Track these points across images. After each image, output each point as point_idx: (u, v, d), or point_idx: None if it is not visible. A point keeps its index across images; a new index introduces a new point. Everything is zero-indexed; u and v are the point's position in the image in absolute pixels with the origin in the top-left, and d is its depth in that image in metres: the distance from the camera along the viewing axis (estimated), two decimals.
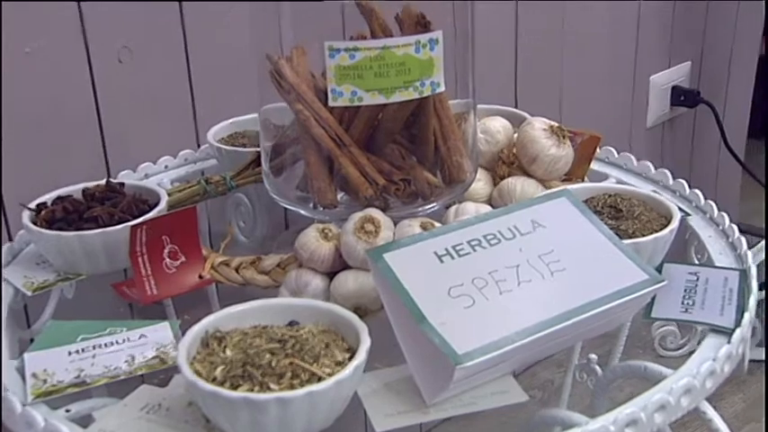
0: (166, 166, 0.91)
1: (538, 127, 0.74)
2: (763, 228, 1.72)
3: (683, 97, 1.60)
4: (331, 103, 0.63)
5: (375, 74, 0.62)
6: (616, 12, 1.46)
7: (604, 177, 0.85)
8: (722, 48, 1.71)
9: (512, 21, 1.30)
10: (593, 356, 0.81)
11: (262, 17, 0.70)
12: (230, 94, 0.99)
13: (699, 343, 0.62)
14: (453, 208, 0.66)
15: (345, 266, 0.65)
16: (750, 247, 0.71)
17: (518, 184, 0.73)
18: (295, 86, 0.67)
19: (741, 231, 0.74)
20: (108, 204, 0.73)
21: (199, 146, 0.97)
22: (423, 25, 0.63)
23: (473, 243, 0.59)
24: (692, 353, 0.61)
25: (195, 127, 0.99)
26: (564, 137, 0.74)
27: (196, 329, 0.58)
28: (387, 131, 0.67)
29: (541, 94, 1.38)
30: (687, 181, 0.81)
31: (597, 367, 0.80)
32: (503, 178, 0.75)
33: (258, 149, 0.79)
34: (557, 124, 0.75)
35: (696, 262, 0.74)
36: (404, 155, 0.68)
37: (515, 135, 0.78)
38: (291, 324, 0.59)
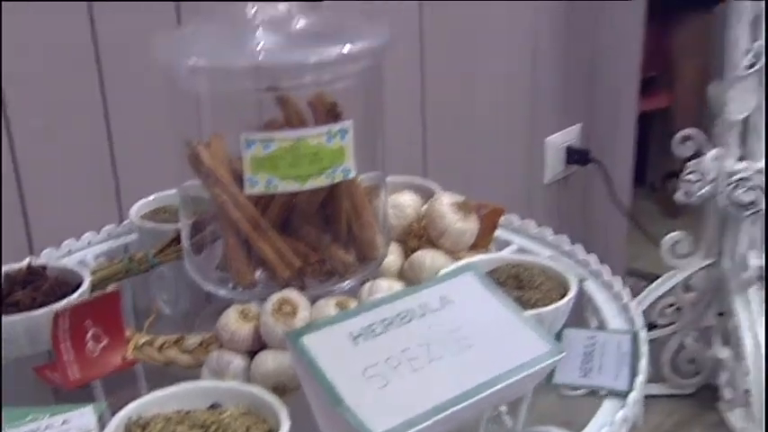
0: (89, 242, 0.88)
1: (445, 203, 0.74)
2: (650, 272, 1.78)
3: (576, 156, 1.64)
4: (247, 192, 0.62)
5: (289, 163, 0.61)
6: (513, 81, 1.49)
7: (508, 243, 0.85)
8: (607, 109, 1.76)
9: (419, 91, 1.31)
10: (503, 408, 0.81)
11: (180, 102, 0.68)
12: (152, 169, 0.96)
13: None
14: (367, 285, 0.66)
15: (266, 345, 0.63)
16: (637, 291, 0.72)
17: (427, 258, 0.73)
18: (213, 171, 0.66)
19: (629, 274, 0.75)
20: (30, 288, 0.69)
21: (122, 220, 0.94)
22: (334, 115, 0.63)
23: (386, 322, 0.58)
24: (592, 392, 0.62)
25: (118, 201, 0.96)
26: (469, 211, 0.74)
27: (119, 417, 0.55)
28: (302, 214, 0.66)
29: (449, 157, 1.39)
30: (581, 233, 0.82)
31: (506, 417, 0.80)
32: (414, 251, 0.74)
33: (179, 226, 0.76)
34: (462, 199, 0.75)
35: (593, 324, 0.75)
36: (319, 234, 0.67)
37: (424, 207, 0.78)
38: (213, 407, 0.57)
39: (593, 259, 0.80)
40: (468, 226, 0.74)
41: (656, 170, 2.74)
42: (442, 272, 0.68)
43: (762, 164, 1.33)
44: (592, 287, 0.77)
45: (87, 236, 0.88)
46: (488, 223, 0.77)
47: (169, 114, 0.70)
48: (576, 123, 1.66)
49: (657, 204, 2.62)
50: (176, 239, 0.80)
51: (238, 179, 0.66)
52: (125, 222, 0.91)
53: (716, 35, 1.53)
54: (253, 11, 0.64)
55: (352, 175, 0.64)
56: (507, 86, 1.48)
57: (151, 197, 0.89)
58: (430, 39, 1.31)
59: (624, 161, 1.84)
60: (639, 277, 1.92)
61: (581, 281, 0.76)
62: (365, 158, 0.70)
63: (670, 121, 2.68)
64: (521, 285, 0.69)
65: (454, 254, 0.74)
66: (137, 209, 0.88)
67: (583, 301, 0.76)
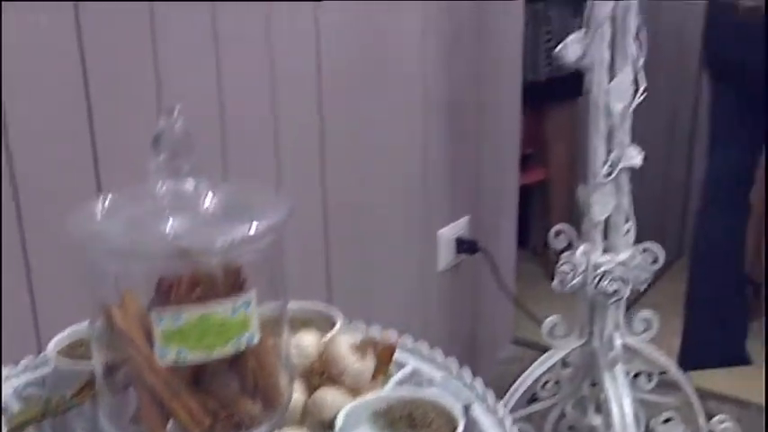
0: (7, 376, 0.83)
1: (343, 344, 0.74)
2: (534, 341, 1.83)
3: (465, 246, 1.68)
4: (159, 363, 0.61)
5: (197, 336, 0.60)
6: (407, 183, 1.53)
7: (403, 365, 0.85)
8: (492, 197, 1.82)
9: (321, 220, 1.33)
10: None
11: (94, 272, 0.66)
12: (70, 301, 0.93)
13: None
14: None
15: None
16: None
17: (328, 397, 0.72)
18: (126, 334, 0.64)
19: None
20: None
21: (40, 350, 0.90)
22: (238, 285, 0.62)
23: None
24: None
25: (36, 332, 0.92)
26: (366, 351, 0.75)
27: None
28: (211, 371, 0.65)
29: (352, 256, 1.40)
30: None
31: None
32: (316, 387, 0.74)
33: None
34: (359, 341, 0.76)
35: None
36: (227, 388, 0.66)
37: (325, 339, 0.78)
38: None
39: (479, 383, 0.81)
40: (365, 366, 0.74)
41: (537, 235, 2.84)
42: (341, 418, 0.68)
43: (623, 256, 1.40)
44: (478, 411, 0.78)
45: (5, 371, 0.83)
46: (384, 358, 0.78)
47: (83, 277, 0.68)
48: (464, 216, 1.70)
49: (540, 266, 2.70)
50: (92, 381, 0.77)
51: (150, 337, 0.64)
52: (43, 354, 0.87)
53: (579, 122, 1.59)
54: (163, 189, 0.63)
55: (255, 340, 0.63)
56: (402, 189, 1.52)
57: (66, 332, 0.85)
58: (330, 151, 1.33)
59: (508, 249, 1.89)
60: (525, 346, 1.97)
61: (467, 406, 0.77)
62: (268, 291, 0.68)
63: (546, 193, 2.79)
64: (413, 424, 0.69)
65: (354, 390, 0.74)
66: (54, 344, 0.84)
67: (469, 424, 0.77)
